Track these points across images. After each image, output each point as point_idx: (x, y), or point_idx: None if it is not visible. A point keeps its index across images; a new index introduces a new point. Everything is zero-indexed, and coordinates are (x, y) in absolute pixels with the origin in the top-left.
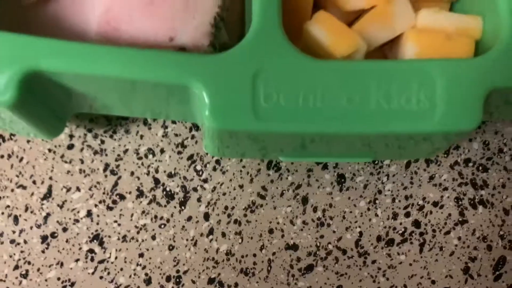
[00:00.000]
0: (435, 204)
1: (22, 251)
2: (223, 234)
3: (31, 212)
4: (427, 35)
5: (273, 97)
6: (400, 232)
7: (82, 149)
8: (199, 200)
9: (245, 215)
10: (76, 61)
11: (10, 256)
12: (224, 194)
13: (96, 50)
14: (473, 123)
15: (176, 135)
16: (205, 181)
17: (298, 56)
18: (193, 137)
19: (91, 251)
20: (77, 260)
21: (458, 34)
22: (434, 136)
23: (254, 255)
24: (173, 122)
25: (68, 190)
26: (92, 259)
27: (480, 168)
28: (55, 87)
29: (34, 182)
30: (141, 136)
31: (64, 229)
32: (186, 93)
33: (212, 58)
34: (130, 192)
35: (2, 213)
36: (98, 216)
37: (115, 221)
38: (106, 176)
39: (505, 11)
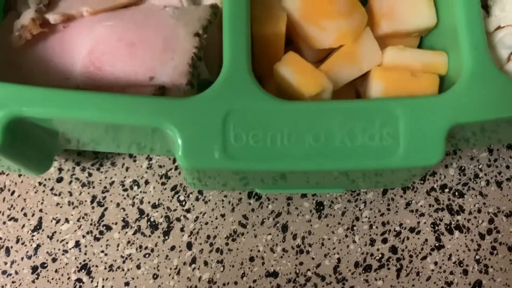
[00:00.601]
0: (411, 230)
1: (13, 282)
2: (205, 263)
3: (22, 243)
4: (393, 73)
5: (242, 137)
6: (378, 258)
7: (70, 182)
8: (182, 229)
9: (227, 244)
10: (57, 108)
11: (2, 287)
12: (206, 223)
13: (74, 97)
14: (435, 158)
15: (160, 166)
16: (188, 211)
17: (265, 98)
18: (176, 168)
19: (79, 280)
20: None
21: (424, 70)
22: (398, 170)
23: (236, 283)
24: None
25: (58, 221)
26: None
27: (456, 193)
28: (39, 129)
29: (25, 215)
30: (127, 168)
31: (54, 260)
32: (161, 133)
33: (184, 102)
34: (116, 223)
35: None
36: (86, 246)
37: (102, 251)
38: (93, 207)
39: (466, 48)
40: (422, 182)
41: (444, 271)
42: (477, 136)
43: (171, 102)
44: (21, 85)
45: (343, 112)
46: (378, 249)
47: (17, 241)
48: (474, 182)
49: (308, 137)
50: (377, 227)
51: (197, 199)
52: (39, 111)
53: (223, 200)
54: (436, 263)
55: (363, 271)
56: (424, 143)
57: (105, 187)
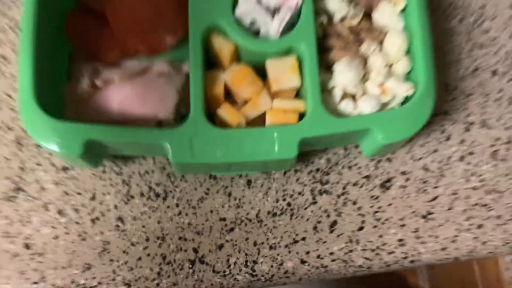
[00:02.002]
0: (299, 193)
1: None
2: (186, 214)
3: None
4: (276, 112)
5: (202, 148)
6: (280, 208)
7: (110, 171)
8: (172, 197)
9: (198, 204)
10: (107, 135)
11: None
12: (186, 193)
13: (113, 129)
14: (292, 154)
15: (160, 162)
16: (176, 186)
17: (211, 128)
18: (168, 163)
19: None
20: None
21: (292, 110)
22: (276, 160)
23: (203, 224)
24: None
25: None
26: None
27: (325, 173)
28: (99, 145)
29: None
30: (141, 163)
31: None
32: (162, 146)
33: (171, 131)
34: (141, 193)
35: None
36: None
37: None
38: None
39: (310, 98)
40: (306, 166)
41: (316, 216)
42: (320, 142)
43: (165, 131)
44: (89, 124)
45: (250, 133)
46: (280, 204)
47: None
48: (335, 166)
49: (236, 147)
50: (279, 192)
51: (180, 179)
52: (99, 136)
53: (194, 180)
54: (312, 211)
55: (272, 216)
56: (288, 147)
57: (129, 176)
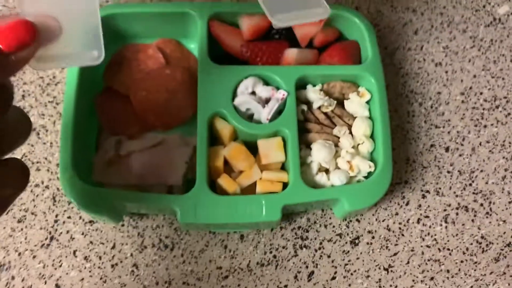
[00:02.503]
0: (283, 247)
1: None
2: (187, 258)
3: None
4: (265, 182)
5: (205, 211)
6: (266, 260)
7: (128, 225)
8: (178, 248)
9: (199, 254)
10: (124, 199)
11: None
12: (190, 245)
13: (135, 194)
14: (276, 217)
15: (171, 219)
16: (181, 238)
17: (212, 195)
18: (175, 221)
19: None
20: None
21: (277, 180)
22: (263, 222)
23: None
24: None
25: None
26: None
27: (305, 230)
28: (121, 205)
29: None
30: (154, 218)
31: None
32: (172, 208)
33: (180, 197)
34: (153, 244)
35: None
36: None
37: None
38: (141, 237)
39: (291, 172)
40: (289, 224)
41: (297, 266)
42: (300, 207)
43: (176, 197)
44: (114, 189)
45: (243, 199)
46: (267, 256)
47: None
48: (314, 224)
49: (227, 210)
50: (267, 245)
51: (185, 233)
52: (122, 200)
53: (197, 234)
54: (294, 262)
55: (260, 266)
56: (273, 211)
57: (143, 229)
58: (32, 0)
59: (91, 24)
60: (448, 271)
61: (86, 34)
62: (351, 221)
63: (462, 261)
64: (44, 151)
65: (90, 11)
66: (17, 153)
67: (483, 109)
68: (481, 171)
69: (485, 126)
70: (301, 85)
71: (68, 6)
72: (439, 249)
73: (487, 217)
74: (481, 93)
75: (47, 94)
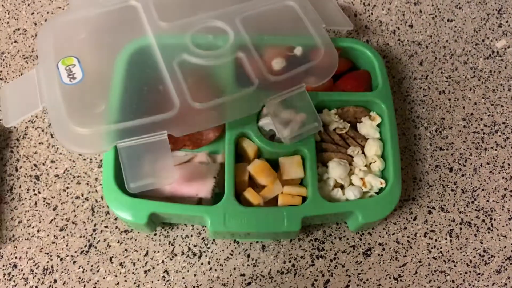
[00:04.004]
0: (301, 257)
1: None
2: (213, 265)
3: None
4: (286, 195)
5: (232, 221)
6: (286, 268)
7: (159, 235)
8: (206, 256)
9: (224, 261)
10: (162, 209)
11: None
12: (216, 253)
13: (171, 204)
14: (297, 228)
15: (200, 228)
16: (208, 247)
17: (238, 206)
18: (204, 230)
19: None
20: None
21: (297, 195)
22: (285, 232)
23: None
24: None
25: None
26: None
27: (321, 242)
28: (157, 215)
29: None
30: (183, 229)
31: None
32: (202, 218)
33: (210, 207)
34: (182, 252)
35: None
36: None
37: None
38: (172, 245)
39: (310, 188)
40: (307, 236)
41: (314, 275)
42: (317, 219)
43: (207, 207)
44: (153, 201)
45: (266, 211)
46: (286, 265)
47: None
48: (329, 237)
49: (253, 220)
50: (286, 255)
51: (212, 242)
52: (158, 210)
53: (222, 244)
54: (311, 271)
55: (280, 274)
56: (294, 222)
57: (174, 238)
58: None
59: None
60: (453, 281)
61: None
62: (363, 234)
63: (466, 273)
64: (84, 166)
65: None
66: (60, 168)
67: (484, 133)
68: (483, 189)
69: (485, 149)
70: (318, 109)
71: None
72: (444, 261)
73: (488, 232)
74: (481, 119)
75: None
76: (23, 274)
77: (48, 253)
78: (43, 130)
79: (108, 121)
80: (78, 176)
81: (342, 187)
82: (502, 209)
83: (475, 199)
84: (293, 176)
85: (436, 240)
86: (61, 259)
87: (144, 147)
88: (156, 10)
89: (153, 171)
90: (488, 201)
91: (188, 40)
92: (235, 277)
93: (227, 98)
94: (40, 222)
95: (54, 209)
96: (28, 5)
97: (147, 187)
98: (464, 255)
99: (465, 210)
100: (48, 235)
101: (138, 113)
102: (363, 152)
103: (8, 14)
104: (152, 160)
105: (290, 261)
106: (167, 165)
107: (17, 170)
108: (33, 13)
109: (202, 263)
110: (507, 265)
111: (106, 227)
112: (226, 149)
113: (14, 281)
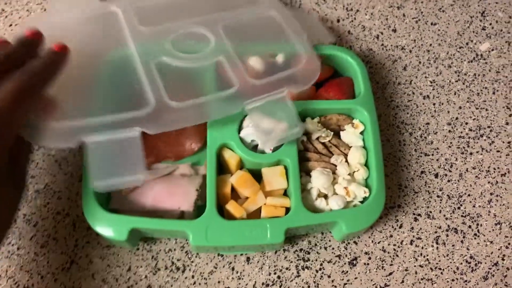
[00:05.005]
0: (287, 268)
1: None
2: (197, 278)
3: None
4: (269, 207)
5: (215, 235)
6: (271, 280)
7: (141, 250)
8: (189, 270)
9: (208, 275)
10: (143, 224)
11: None
12: (200, 267)
13: (151, 220)
14: (280, 240)
15: (182, 242)
16: (192, 261)
17: (220, 219)
18: (188, 244)
19: None
20: None
21: (280, 206)
22: (268, 244)
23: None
24: None
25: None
26: None
27: (306, 252)
28: (139, 231)
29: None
30: (166, 243)
31: None
32: (184, 232)
33: (191, 222)
34: (166, 267)
35: None
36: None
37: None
38: (154, 259)
39: (293, 198)
40: (292, 246)
41: (299, 286)
42: (301, 230)
43: (188, 222)
44: (132, 216)
45: (249, 223)
46: (272, 276)
47: None
48: (314, 247)
49: (235, 233)
50: (271, 267)
51: (195, 256)
52: (141, 225)
53: (206, 257)
54: (296, 283)
55: (265, 287)
56: (277, 234)
57: (157, 252)
58: None
59: None
60: None
61: None
62: (349, 243)
63: (453, 280)
64: (66, 181)
65: None
66: (40, 183)
67: (469, 137)
68: (468, 195)
69: (471, 154)
70: (301, 118)
71: None
72: (431, 268)
73: (475, 238)
74: (466, 123)
75: None
76: None
77: (28, 271)
78: None
79: (76, 115)
80: (59, 191)
81: (326, 196)
82: (488, 215)
83: (461, 205)
84: (276, 187)
85: (422, 247)
86: (42, 277)
87: (114, 143)
88: (137, 15)
89: (122, 170)
90: (474, 206)
91: (168, 43)
92: None
93: (206, 98)
94: (20, 239)
95: (34, 225)
96: (6, 17)
97: (113, 187)
98: (450, 262)
99: (451, 216)
100: (28, 253)
101: (110, 109)
102: (346, 161)
103: None
104: (122, 159)
105: (275, 273)
106: (137, 164)
107: None
108: (11, 25)
109: (186, 277)
110: (493, 271)
111: (87, 242)
112: (208, 162)
113: None
